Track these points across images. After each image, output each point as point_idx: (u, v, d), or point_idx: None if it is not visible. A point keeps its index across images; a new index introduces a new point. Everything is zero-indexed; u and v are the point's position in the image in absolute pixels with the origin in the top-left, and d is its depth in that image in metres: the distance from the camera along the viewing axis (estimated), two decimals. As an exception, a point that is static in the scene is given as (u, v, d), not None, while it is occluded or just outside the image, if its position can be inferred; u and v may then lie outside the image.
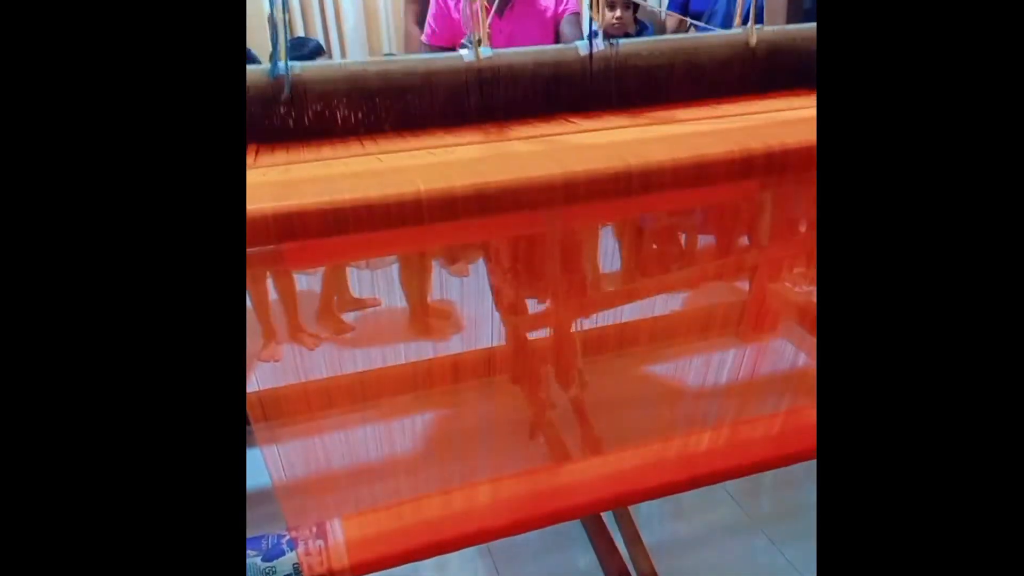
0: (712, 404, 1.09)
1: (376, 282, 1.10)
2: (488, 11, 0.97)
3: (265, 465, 0.89)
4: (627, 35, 2.12)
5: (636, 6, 2.13)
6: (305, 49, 2.00)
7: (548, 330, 1.19)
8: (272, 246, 0.75)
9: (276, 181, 0.65)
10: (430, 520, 0.89)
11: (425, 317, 1.38)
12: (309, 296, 1.50)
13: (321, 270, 1.38)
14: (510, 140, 0.86)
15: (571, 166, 0.70)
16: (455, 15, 1.93)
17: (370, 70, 0.89)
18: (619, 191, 0.73)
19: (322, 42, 2.42)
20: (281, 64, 0.83)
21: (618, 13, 2.07)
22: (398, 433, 1.02)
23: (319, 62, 0.88)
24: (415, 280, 1.35)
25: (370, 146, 0.85)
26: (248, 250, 0.65)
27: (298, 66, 0.85)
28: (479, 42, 0.91)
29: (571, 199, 0.70)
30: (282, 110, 0.86)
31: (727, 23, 2.21)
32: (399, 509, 0.89)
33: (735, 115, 0.94)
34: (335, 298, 1.50)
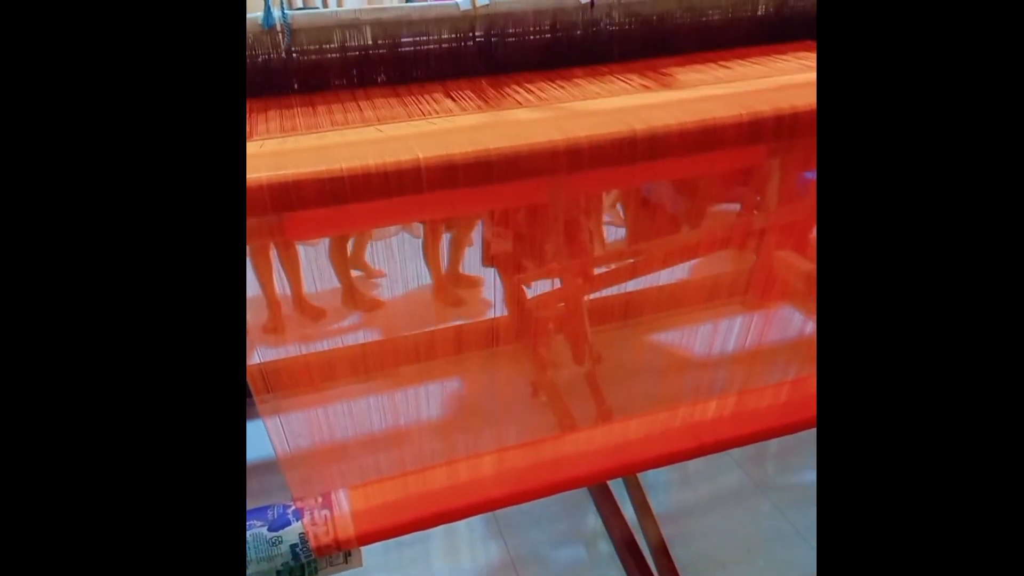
0: (719, 372, 1.09)
1: (376, 253, 1.09)
2: None
3: (269, 437, 0.89)
4: None
5: None
6: None
7: (552, 300, 1.18)
8: (272, 216, 0.73)
9: (272, 151, 0.63)
10: (436, 490, 0.89)
11: (452, 287, 1.37)
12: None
13: (324, 245, 1.37)
14: (510, 108, 0.84)
15: (574, 132, 0.68)
16: None
17: (363, 19, 0.86)
18: (624, 158, 0.71)
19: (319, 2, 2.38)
20: (276, 12, 0.81)
21: None
22: (402, 404, 1.02)
23: (309, 11, 0.86)
24: (435, 250, 1.33)
25: (365, 104, 0.84)
26: (248, 220, 0.64)
27: (290, 15, 0.83)
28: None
29: (575, 166, 0.69)
30: (274, 58, 0.84)
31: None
32: (404, 479, 0.89)
33: (742, 76, 0.91)
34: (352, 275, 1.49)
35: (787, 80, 0.90)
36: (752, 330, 1.14)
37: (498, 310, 1.20)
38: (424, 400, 1.04)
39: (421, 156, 0.59)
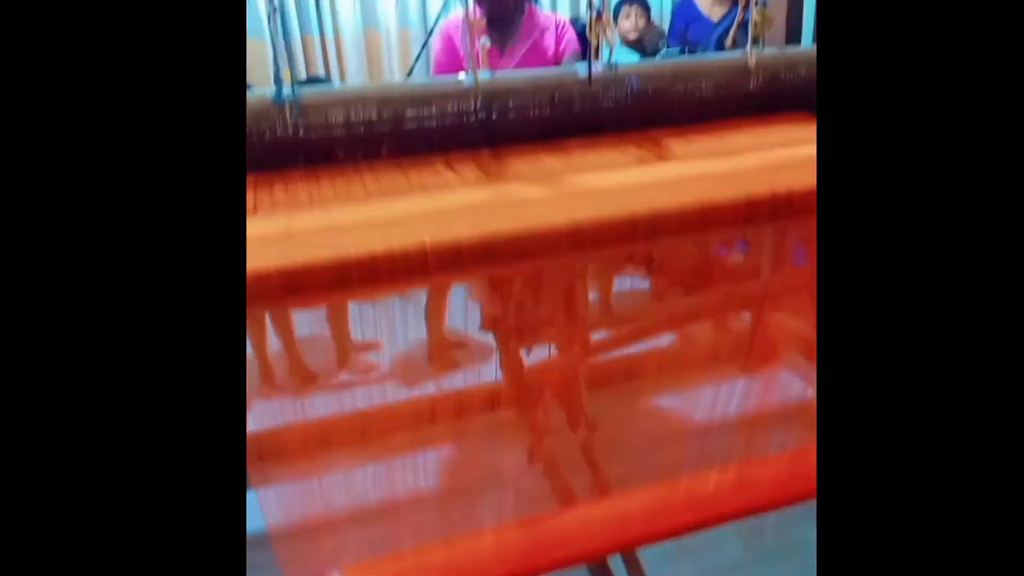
0: (719, 440, 1.08)
1: (378, 320, 1.09)
2: (489, 51, 0.98)
3: (260, 508, 0.88)
4: (651, 43, 2.11)
5: (649, 10, 2.13)
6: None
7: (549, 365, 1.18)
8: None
9: (280, 234, 0.64)
10: (432, 568, 0.87)
11: (445, 349, 1.37)
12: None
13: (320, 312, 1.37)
14: (510, 180, 0.85)
15: (576, 214, 0.69)
16: (461, 51, 1.95)
17: (368, 94, 0.89)
18: (624, 238, 0.72)
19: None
20: (287, 88, 0.83)
21: (635, 21, 2.08)
22: (399, 474, 1.01)
23: (316, 88, 0.89)
24: (438, 313, 1.33)
25: (368, 177, 0.85)
26: (254, 303, 0.64)
27: (298, 91, 0.85)
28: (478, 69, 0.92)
29: (577, 247, 0.70)
30: (280, 135, 0.86)
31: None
32: (399, 560, 0.87)
33: (739, 150, 0.94)
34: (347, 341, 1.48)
35: (782, 158, 0.92)
36: (751, 396, 1.14)
37: (495, 375, 1.20)
38: (421, 469, 1.03)
39: (428, 240, 0.60)
